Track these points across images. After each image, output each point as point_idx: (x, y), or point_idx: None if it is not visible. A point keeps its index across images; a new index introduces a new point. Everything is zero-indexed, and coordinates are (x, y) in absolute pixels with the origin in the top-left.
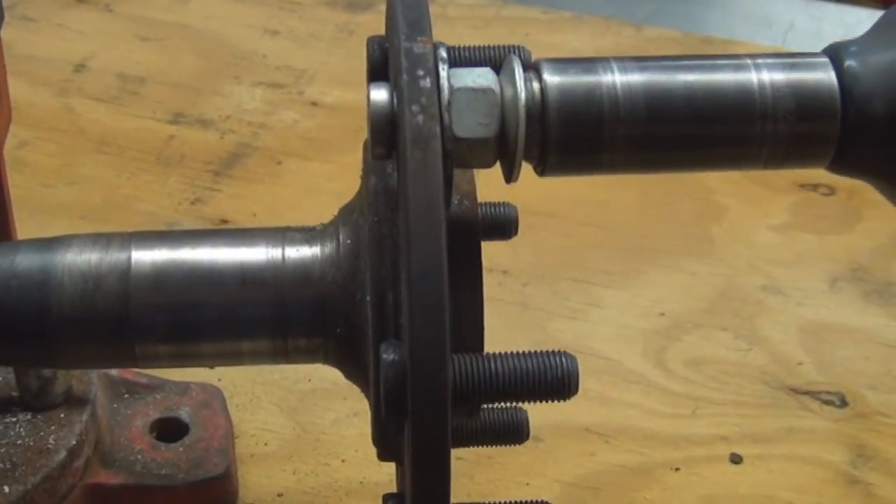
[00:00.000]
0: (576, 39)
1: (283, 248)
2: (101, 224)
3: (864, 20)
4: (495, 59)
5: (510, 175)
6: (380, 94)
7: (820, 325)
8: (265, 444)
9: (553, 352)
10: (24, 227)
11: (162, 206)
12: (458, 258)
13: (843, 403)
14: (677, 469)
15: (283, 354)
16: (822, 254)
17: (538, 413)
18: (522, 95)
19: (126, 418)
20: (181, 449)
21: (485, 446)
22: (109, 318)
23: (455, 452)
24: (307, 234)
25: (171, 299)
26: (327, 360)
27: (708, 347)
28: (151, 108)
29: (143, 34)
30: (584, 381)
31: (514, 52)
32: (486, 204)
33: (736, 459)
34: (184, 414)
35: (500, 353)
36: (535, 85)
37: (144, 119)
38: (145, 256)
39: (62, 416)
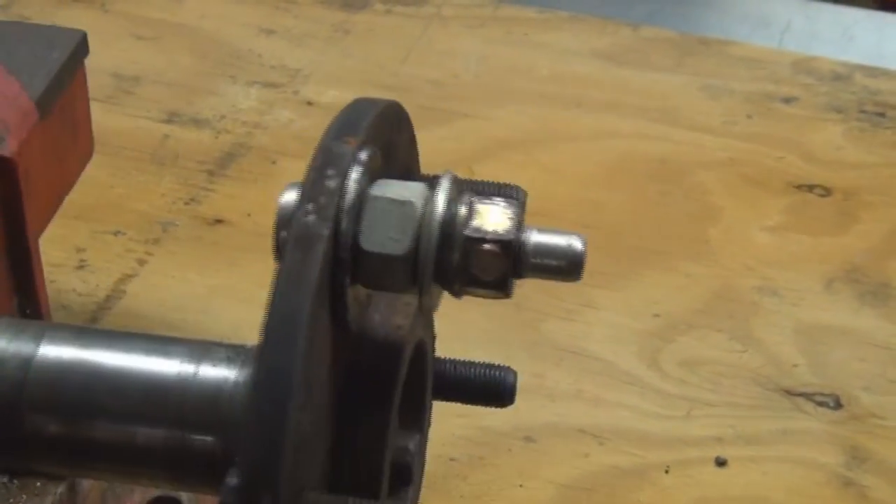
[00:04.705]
0: (572, 39)
1: (199, 365)
2: (96, 223)
3: (860, 20)
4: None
5: (420, 300)
6: (289, 196)
7: (815, 327)
8: None
9: None
10: None
11: (156, 205)
12: (365, 391)
13: (838, 405)
14: (671, 471)
15: (181, 482)
16: (817, 255)
17: (531, 414)
18: (439, 212)
19: (125, 491)
20: None
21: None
22: (2, 407)
23: (448, 453)
24: (232, 352)
25: (67, 398)
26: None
27: (702, 349)
28: (146, 107)
29: (139, 33)
30: (579, 382)
31: (511, 190)
32: (480, 365)
33: (729, 462)
34: (184, 494)
35: None
36: (465, 208)
37: (139, 118)
38: (52, 351)
39: (38, 484)
